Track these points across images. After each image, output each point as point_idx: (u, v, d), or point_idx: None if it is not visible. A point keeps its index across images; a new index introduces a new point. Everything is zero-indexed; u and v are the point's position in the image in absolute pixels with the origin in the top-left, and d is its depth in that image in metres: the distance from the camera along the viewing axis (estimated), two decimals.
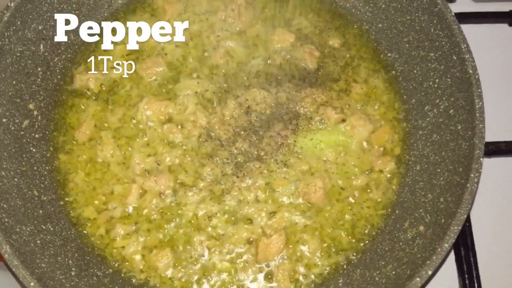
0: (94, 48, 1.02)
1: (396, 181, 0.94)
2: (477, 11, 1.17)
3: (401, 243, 0.86)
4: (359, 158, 0.96)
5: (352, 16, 1.07)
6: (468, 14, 1.15)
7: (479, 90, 0.85)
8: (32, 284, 0.73)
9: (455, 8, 1.06)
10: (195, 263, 0.87)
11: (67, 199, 0.91)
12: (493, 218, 1.01)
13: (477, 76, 0.85)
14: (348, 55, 1.03)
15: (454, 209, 0.80)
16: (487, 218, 1.00)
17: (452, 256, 0.96)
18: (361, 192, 0.93)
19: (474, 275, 0.93)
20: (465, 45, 0.87)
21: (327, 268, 0.88)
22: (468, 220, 0.97)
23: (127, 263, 0.87)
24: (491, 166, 1.01)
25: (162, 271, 0.86)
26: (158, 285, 0.86)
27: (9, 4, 0.86)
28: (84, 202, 0.91)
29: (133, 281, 0.86)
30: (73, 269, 0.83)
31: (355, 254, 0.89)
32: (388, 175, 0.95)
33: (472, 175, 0.80)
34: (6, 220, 0.78)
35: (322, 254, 0.89)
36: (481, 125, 0.83)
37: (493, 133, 0.98)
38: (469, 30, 0.96)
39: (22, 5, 0.89)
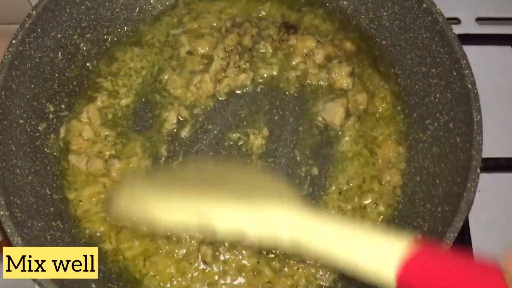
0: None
1: (399, 193, 0.97)
2: (481, 33, 1.21)
3: None
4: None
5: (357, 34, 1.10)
6: (472, 35, 1.18)
7: (477, 104, 0.87)
8: None
9: (459, 29, 1.09)
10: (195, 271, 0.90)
11: None
12: (493, 233, 1.02)
13: (475, 91, 0.88)
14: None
15: (451, 217, 0.81)
16: (487, 233, 1.01)
17: None
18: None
19: None
20: (464, 61, 0.90)
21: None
22: (468, 235, 0.99)
23: (131, 262, 0.90)
24: (491, 182, 1.03)
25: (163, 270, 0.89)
26: (161, 283, 0.88)
27: (31, 12, 0.91)
28: None
29: (137, 277, 0.89)
30: None
31: None
32: (393, 188, 0.97)
33: (469, 185, 0.82)
34: (19, 214, 0.82)
35: None
36: (478, 138, 0.85)
37: (493, 149, 1.00)
38: (473, 51, 0.98)
39: (43, 14, 0.93)
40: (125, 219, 0.82)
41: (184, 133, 1.00)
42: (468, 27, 1.22)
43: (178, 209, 0.70)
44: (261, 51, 1.07)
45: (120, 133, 0.99)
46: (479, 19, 1.23)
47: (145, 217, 0.73)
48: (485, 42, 1.19)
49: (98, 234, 0.92)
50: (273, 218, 0.63)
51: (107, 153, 0.97)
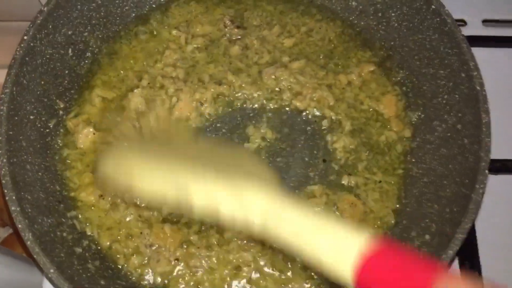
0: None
1: (404, 193, 0.97)
2: (488, 35, 1.21)
3: None
4: None
5: (365, 35, 1.10)
6: (478, 37, 1.19)
7: (486, 105, 0.88)
8: (51, 270, 0.76)
9: (466, 31, 1.09)
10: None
11: None
12: (499, 235, 1.02)
13: (484, 93, 0.89)
14: (359, 72, 1.06)
15: (459, 219, 0.82)
16: (493, 235, 1.02)
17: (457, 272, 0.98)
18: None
19: None
20: (473, 63, 0.91)
21: None
22: (474, 237, 0.99)
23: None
24: (497, 184, 1.03)
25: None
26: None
27: (42, 8, 0.91)
28: None
29: (146, 278, 0.89)
30: (89, 261, 0.86)
31: None
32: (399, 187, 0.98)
33: (477, 186, 0.83)
34: (30, 210, 0.82)
35: None
36: (487, 139, 0.86)
37: (499, 151, 1.00)
38: (479, 53, 0.98)
39: (55, 10, 0.93)
40: (108, 185, 0.81)
41: None
42: (475, 29, 1.22)
43: (160, 179, 0.71)
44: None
45: None
46: (485, 21, 1.24)
47: (126, 183, 0.74)
48: (492, 44, 1.20)
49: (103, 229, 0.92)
50: (248, 200, 0.64)
51: None
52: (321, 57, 1.07)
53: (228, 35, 1.07)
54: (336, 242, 0.58)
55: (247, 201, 0.64)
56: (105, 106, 1.00)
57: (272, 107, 1.02)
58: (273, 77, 1.03)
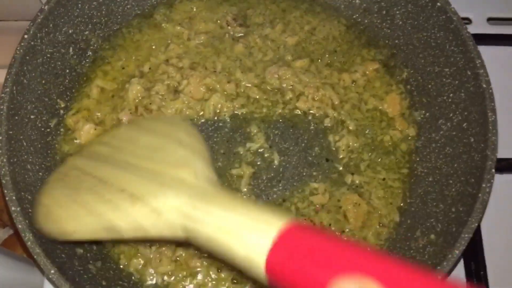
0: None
1: (409, 193, 0.96)
2: (493, 33, 1.20)
3: (412, 251, 0.87)
4: None
5: (370, 33, 1.09)
6: (483, 35, 1.18)
7: (492, 104, 0.87)
8: (52, 271, 0.75)
9: (471, 29, 1.08)
10: None
11: None
12: (504, 234, 1.01)
13: (490, 90, 0.88)
14: (363, 71, 1.05)
15: (465, 218, 0.81)
16: (498, 234, 1.01)
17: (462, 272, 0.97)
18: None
19: None
20: (479, 61, 0.90)
21: None
22: (479, 236, 0.98)
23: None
24: (502, 183, 1.02)
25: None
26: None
27: (43, 7, 0.90)
28: None
29: (148, 278, 0.88)
30: (90, 262, 0.85)
31: None
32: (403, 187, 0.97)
33: (484, 185, 0.82)
34: (30, 211, 0.81)
35: None
36: (493, 138, 0.85)
37: (505, 150, 0.99)
38: (484, 51, 0.97)
39: (55, 9, 0.92)
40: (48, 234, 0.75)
41: None
42: (480, 27, 1.21)
43: (83, 214, 0.68)
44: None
45: None
46: (490, 19, 1.23)
47: (59, 231, 0.72)
48: (497, 42, 1.19)
49: None
50: (164, 207, 0.59)
51: None
52: (325, 55, 1.06)
53: (230, 33, 1.07)
54: (250, 233, 0.52)
55: (163, 207, 0.59)
56: (103, 98, 0.99)
57: (275, 106, 1.01)
58: (276, 76, 1.02)
